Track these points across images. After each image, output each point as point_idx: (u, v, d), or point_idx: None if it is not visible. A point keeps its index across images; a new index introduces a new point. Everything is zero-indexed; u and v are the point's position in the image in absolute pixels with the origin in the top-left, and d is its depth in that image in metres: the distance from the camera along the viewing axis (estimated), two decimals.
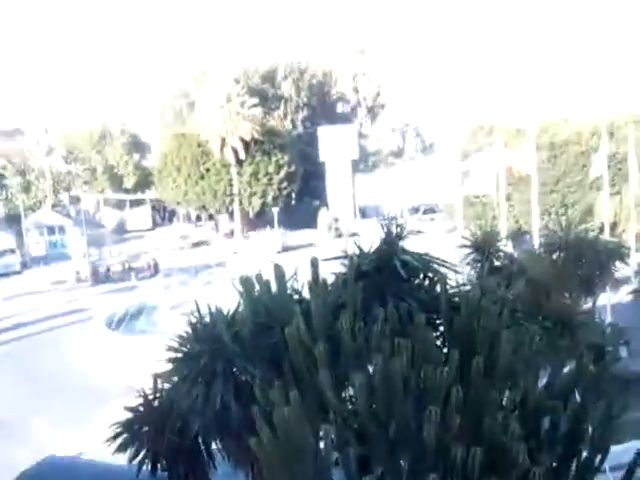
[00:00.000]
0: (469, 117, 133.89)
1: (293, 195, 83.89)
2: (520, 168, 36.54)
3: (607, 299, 31.10)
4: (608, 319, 31.50)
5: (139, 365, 21.07)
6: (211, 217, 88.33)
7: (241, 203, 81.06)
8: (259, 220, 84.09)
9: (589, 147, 56.86)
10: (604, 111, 74.60)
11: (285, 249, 70.74)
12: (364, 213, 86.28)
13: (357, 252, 8.46)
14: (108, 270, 63.65)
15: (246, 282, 8.18)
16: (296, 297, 8.39)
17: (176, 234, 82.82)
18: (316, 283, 8.01)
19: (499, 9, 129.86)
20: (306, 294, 8.35)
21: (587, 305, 16.33)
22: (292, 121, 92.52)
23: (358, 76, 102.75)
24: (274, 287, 8.10)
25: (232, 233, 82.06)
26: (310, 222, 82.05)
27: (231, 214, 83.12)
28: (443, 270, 8.62)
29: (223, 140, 77.36)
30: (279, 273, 8.16)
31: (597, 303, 21.81)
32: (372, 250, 8.46)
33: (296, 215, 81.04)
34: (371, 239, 8.91)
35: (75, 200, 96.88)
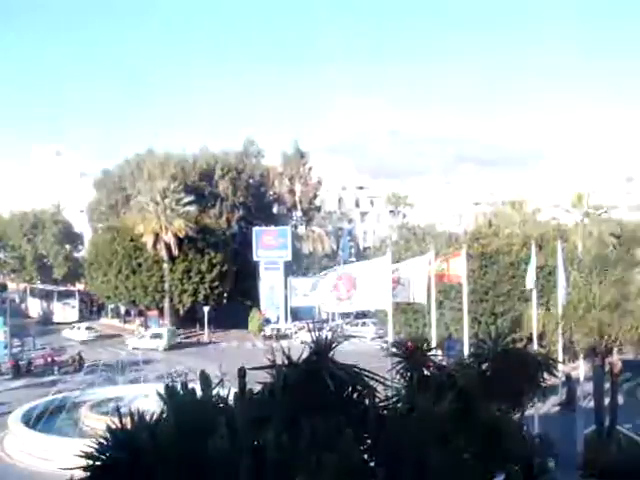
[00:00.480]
0: (403, 223, 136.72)
1: (225, 294, 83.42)
2: (451, 276, 37.01)
3: (535, 410, 31.22)
4: (536, 430, 31.64)
5: (51, 468, 20.24)
6: (141, 313, 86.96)
7: (172, 300, 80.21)
8: (189, 318, 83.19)
9: (518, 258, 58.05)
10: (534, 224, 76.78)
11: (172, 347, 70.67)
12: (296, 315, 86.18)
13: (285, 362, 8.29)
14: (30, 363, 61.81)
15: (170, 388, 7.94)
16: (222, 405, 8.16)
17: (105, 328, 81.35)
18: (242, 393, 7.81)
19: None
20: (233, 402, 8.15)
21: (516, 416, 16.34)
22: (227, 220, 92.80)
23: (295, 178, 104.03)
24: (199, 394, 7.87)
25: None
26: (241, 322, 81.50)
27: (161, 311, 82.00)
28: (372, 383, 8.50)
29: (157, 236, 77.06)
30: (205, 380, 7.94)
31: (525, 414, 21.90)
32: (301, 360, 8.31)
33: (227, 314, 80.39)
34: (302, 343, 8.77)
35: (1, 288, 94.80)
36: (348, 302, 31.84)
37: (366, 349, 58.54)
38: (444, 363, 14.71)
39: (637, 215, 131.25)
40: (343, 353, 9.57)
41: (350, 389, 8.36)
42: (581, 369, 40.06)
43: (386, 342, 65.14)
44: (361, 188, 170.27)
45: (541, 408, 32.84)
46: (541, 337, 37.49)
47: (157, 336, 72.59)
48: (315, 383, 7.80)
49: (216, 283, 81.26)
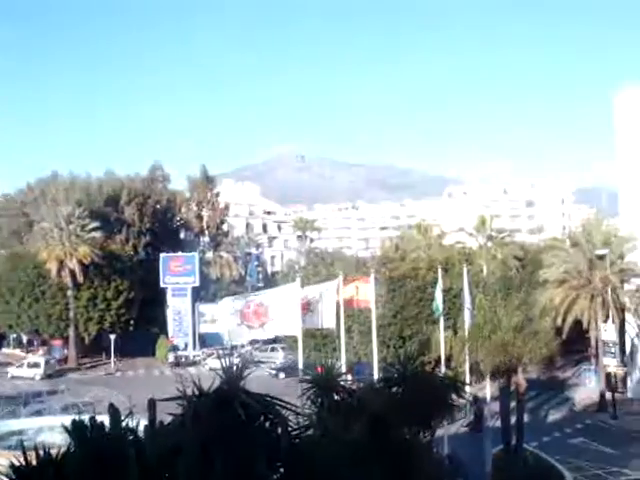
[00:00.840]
0: (311, 248, 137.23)
1: (131, 322, 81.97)
2: (360, 301, 37.29)
3: (444, 431, 31.55)
4: (446, 451, 31.99)
5: None
6: (44, 342, 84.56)
7: (77, 328, 78.37)
8: (95, 347, 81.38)
9: (425, 282, 58.92)
10: (440, 248, 78.14)
11: (49, 376, 69.16)
12: (204, 342, 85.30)
13: (195, 391, 8.17)
14: None
15: (77, 422, 7.73)
16: (131, 438, 7.98)
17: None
18: (152, 425, 7.66)
19: None
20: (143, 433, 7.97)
21: (426, 438, 16.50)
22: (134, 246, 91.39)
23: (202, 203, 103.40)
24: (108, 427, 7.68)
25: (66, 360, 78.68)
26: (148, 350, 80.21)
27: (66, 339, 79.98)
28: (284, 412, 8.47)
29: (61, 262, 75.29)
30: (113, 412, 7.77)
31: (435, 435, 22.09)
32: (211, 389, 8.21)
33: (134, 342, 78.94)
34: (211, 370, 8.65)
35: None
36: (261, 330, 31.63)
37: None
38: (354, 387, 14.81)
39: (537, 238, 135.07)
40: (254, 379, 9.51)
41: (262, 418, 8.31)
42: (488, 389, 40.82)
43: (279, 369, 65.20)
44: (269, 213, 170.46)
45: (450, 429, 33.27)
46: (449, 359, 38.07)
47: (35, 365, 70.84)
48: (226, 413, 7.72)
49: (122, 310, 79.82)
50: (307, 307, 32.46)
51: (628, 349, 54.27)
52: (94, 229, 79.01)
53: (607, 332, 50.23)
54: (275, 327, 32.00)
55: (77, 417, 8.05)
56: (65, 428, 7.80)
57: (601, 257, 51.88)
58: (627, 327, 53.51)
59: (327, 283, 35.72)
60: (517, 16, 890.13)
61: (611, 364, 50.33)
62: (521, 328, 33.96)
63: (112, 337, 75.52)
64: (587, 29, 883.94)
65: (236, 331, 31.60)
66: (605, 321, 50.92)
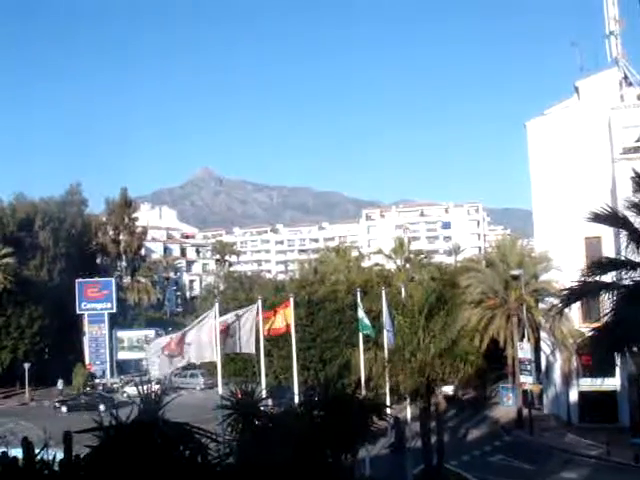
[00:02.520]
0: (229, 272, 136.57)
1: (47, 349, 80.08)
2: (280, 328, 37.18)
3: (366, 453, 31.61)
4: (368, 472, 32.07)
5: None
6: None
7: None
8: (9, 376, 79.18)
9: (344, 304, 59.17)
10: (358, 270, 78.70)
11: None
12: (122, 368, 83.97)
13: (113, 422, 7.98)
14: None
15: None
16: (46, 472, 7.75)
17: None
18: (68, 459, 7.45)
19: None
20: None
21: (348, 460, 16.51)
22: (49, 271, 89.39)
23: (120, 228, 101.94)
24: (22, 462, 7.44)
25: None
26: (65, 377, 78.37)
27: None
28: (204, 440, 8.35)
29: None
30: (27, 447, 7.53)
31: (357, 457, 22.09)
32: (129, 419, 8.04)
33: (50, 370, 77.03)
34: (129, 398, 8.49)
35: None
36: (180, 358, 31.28)
37: (196, 401, 57.77)
38: (275, 412, 14.74)
39: (454, 259, 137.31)
40: (173, 406, 9.36)
41: (182, 447, 8.17)
42: (408, 410, 41.07)
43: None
44: (187, 237, 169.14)
45: (372, 450, 33.37)
46: (369, 381, 38.20)
47: None
48: (145, 443, 7.56)
49: (37, 338, 78.02)
50: (226, 332, 32.25)
51: (543, 366, 55.44)
52: (7, 255, 77.18)
53: (523, 350, 51.21)
54: (194, 353, 31.68)
55: None
56: None
57: (516, 277, 52.98)
58: (542, 345, 54.66)
59: (246, 308, 35.55)
60: (425, 43, 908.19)
61: (527, 381, 51.28)
62: (441, 349, 34.36)
63: (26, 366, 73.59)
64: (497, 57, 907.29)
65: (161, 363, 31.21)
66: (521, 340, 51.96)
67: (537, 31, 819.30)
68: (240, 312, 34.05)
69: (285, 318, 36.52)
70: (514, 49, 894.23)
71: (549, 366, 55.24)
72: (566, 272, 41.15)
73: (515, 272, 52.89)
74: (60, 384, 74.61)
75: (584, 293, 23.02)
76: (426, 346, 34.25)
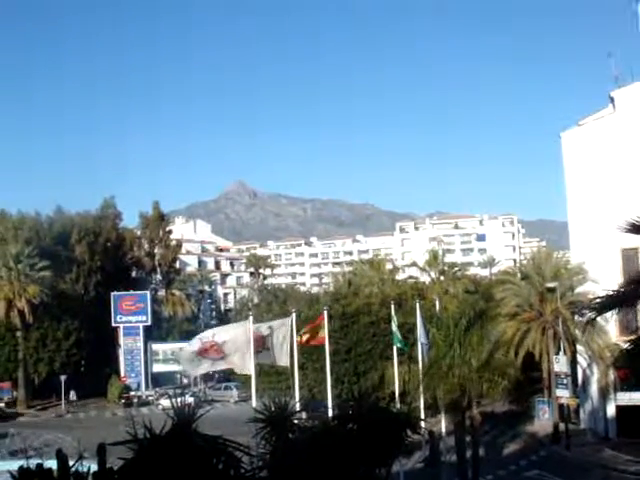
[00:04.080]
0: (264, 284, 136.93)
1: (83, 362, 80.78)
2: (315, 339, 37.13)
3: (400, 467, 31.43)
4: None
5: None
6: None
7: (26, 370, 76.93)
8: (45, 388, 79.96)
9: (378, 317, 58.98)
10: (393, 283, 78.44)
11: None
12: (157, 381, 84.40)
13: (147, 435, 7.98)
14: None
15: (24, 469, 7.50)
16: None
17: None
18: (102, 472, 7.47)
19: None
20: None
21: (382, 475, 16.39)
22: (84, 285, 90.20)
23: (154, 241, 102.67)
24: (56, 474, 7.47)
25: (15, 402, 77.07)
26: (100, 390, 78.95)
27: (15, 381, 78.39)
28: (237, 453, 8.33)
29: (10, 302, 74.06)
30: (62, 459, 7.56)
31: (392, 471, 21.97)
32: (164, 431, 8.04)
33: (86, 383, 77.69)
34: (164, 411, 8.51)
35: None
36: (222, 361, 31.26)
37: (230, 413, 57.88)
38: (308, 425, 14.68)
39: (489, 271, 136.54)
40: (207, 418, 9.36)
41: (215, 460, 8.16)
42: (442, 424, 40.79)
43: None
44: (221, 250, 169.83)
45: (406, 464, 33.17)
46: (403, 394, 38.02)
47: None
48: (179, 456, 7.56)
49: (73, 351, 78.71)
50: (261, 344, 32.23)
51: (580, 380, 54.79)
52: (44, 268, 77.93)
53: (559, 364, 50.67)
54: (231, 363, 31.67)
55: (25, 463, 7.84)
56: (12, 475, 7.57)
57: (551, 290, 52.49)
58: (579, 358, 54.06)
59: (280, 320, 35.52)
60: (466, 54, 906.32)
61: (564, 395, 50.70)
62: (481, 363, 34.06)
63: (63, 378, 74.29)
64: (538, 67, 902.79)
65: (195, 362, 31.14)
66: (557, 353, 51.43)
67: (572, 43, 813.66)
68: (274, 324, 34.02)
69: (319, 332, 36.53)
70: (548, 59, 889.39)
71: (586, 380, 54.56)
72: (602, 284, 40.65)
73: (551, 284, 52.40)
74: (73, 395, 75.20)
75: (618, 303, 22.70)
76: (464, 360, 33.94)
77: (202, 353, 30.75)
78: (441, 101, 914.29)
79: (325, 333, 36.61)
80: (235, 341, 31.14)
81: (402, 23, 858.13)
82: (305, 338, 36.14)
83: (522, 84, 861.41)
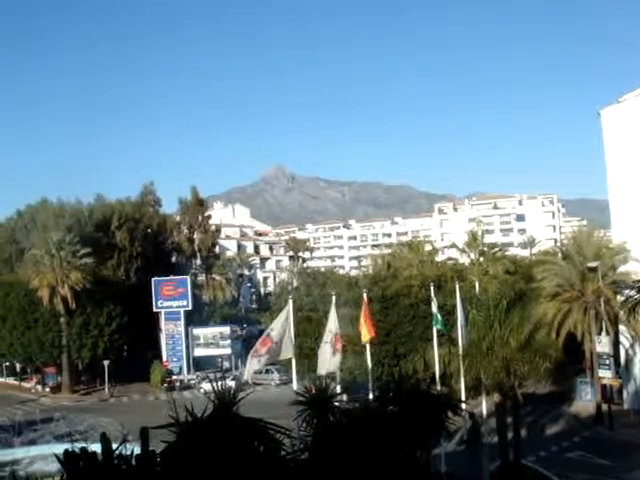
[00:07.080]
0: (303, 268, 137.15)
1: (125, 347, 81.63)
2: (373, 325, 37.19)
3: (442, 449, 31.44)
4: (444, 469, 31.87)
5: None
6: (37, 370, 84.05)
7: (70, 355, 77.96)
8: (89, 373, 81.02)
9: (418, 299, 58.78)
10: (432, 265, 78.09)
11: None
12: (198, 365, 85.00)
13: (189, 418, 8.06)
14: None
15: (70, 452, 7.61)
16: (124, 467, 7.87)
17: None
18: (145, 455, 7.57)
19: None
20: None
21: (424, 456, 16.41)
22: (126, 271, 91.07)
23: (193, 226, 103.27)
24: (101, 457, 7.58)
25: (60, 387, 78.20)
26: (142, 374, 79.75)
27: (59, 366, 79.53)
28: (278, 436, 8.38)
29: (53, 289, 74.94)
30: (106, 442, 7.66)
31: (433, 453, 21.98)
32: (205, 415, 8.12)
33: (128, 367, 78.55)
34: (205, 394, 8.58)
35: None
36: (267, 356, 31.28)
37: (271, 396, 58.20)
38: (349, 408, 14.72)
39: (529, 252, 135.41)
40: (248, 401, 9.43)
41: (256, 442, 8.21)
42: (484, 406, 40.66)
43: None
44: (260, 234, 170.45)
45: (447, 446, 33.12)
46: (443, 376, 37.92)
47: None
48: (220, 439, 7.62)
49: (116, 336, 79.42)
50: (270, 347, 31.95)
51: (623, 360, 54.26)
52: (85, 255, 78.70)
53: (601, 344, 50.19)
54: (276, 351, 31.57)
55: (70, 447, 7.95)
56: (58, 458, 7.70)
57: (593, 269, 51.90)
58: (621, 338, 53.52)
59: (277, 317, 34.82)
60: (505, 33, 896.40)
61: (606, 376, 50.25)
62: (522, 344, 33.85)
63: (106, 363, 75.20)
64: (573, 48, 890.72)
65: (254, 364, 31.23)
66: (599, 333, 50.92)
67: (611, 23, 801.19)
68: (274, 324, 33.41)
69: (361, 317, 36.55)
70: (587, 37, 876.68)
71: (629, 360, 54.03)
72: None
73: (592, 264, 51.77)
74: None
75: None
76: (505, 341, 33.76)
77: (255, 352, 30.80)
78: (478, 83, 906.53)
79: (367, 316, 36.62)
80: (279, 327, 31.20)
81: (433, 9, 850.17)
82: (371, 331, 36.19)
83: (562, 61, 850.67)
